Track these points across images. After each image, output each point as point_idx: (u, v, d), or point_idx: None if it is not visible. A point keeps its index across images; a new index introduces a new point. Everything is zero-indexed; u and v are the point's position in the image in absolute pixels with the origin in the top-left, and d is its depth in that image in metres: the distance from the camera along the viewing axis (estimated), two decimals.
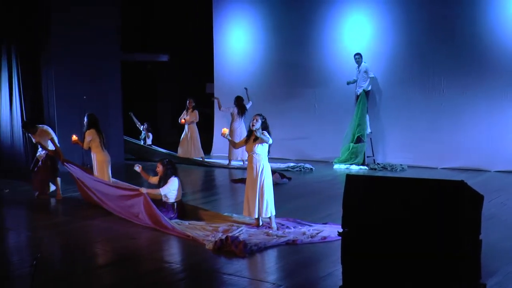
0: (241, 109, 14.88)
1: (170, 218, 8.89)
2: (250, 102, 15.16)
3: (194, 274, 6.86)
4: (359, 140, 14.21)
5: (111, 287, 6.53)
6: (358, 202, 5.39)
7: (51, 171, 11.29)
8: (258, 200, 8.49)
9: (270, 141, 8.42)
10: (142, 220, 8.91)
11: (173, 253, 7.77)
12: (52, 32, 14.12)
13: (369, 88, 14.33)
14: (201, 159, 15.68)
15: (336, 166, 14.31)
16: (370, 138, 14.48)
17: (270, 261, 7.24)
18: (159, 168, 9.29)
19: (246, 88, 15.38)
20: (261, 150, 8.47)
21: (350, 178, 5.48)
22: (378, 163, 14.13)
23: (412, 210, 5.11)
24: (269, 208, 8.52)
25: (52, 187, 11.49)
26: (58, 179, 11.38)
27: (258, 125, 8.37)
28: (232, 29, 17.23)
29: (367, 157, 14.34)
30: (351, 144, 14.22)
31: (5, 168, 13.93)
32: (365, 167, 13.99)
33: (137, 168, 9.61)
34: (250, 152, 8.54)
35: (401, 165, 13.83)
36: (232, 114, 15.00)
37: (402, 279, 5.15)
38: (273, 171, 12.83)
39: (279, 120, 15.86)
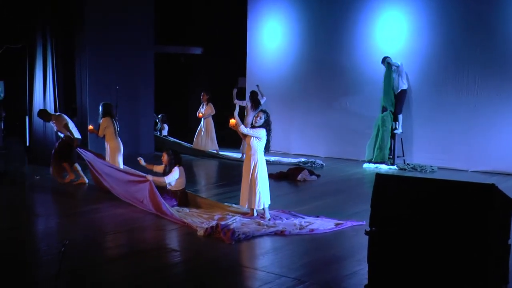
0: (255, 104, 14.98)
1: (173, 206, 9.29)
2: (264, 97, 15.33)
3: (219, 267, 6.88)
4: (384, 109, 14.18)
5: (133, 277, 6.55)
6: (386, 202, 5.36)
7: (64, 156, 11.66)
8: (250, 191, 8.80)
9: (264, 137, 8.74)
10: (145, 206, 9.35)
11: (198, 247, 7.77)
12: (86, 20, 14.25)
13: (405, 87, 14.18)
14: (215, 152, 15.98)
15: (365, 165, 14.22)
16: (401, 138, 14.34)
17: (295, 258, 7.23)
18: (164, 158, 9.76)
19: (257, 85, 15.62)
20: (256, 144, 8.78)
21: (380, 178, 5.46)
22: (408, 164, 13.99)
23: (441, 212, 5.07)
24: (261, 200, 8.81)
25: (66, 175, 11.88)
26: (77, 165, 11.75)
27: (260, 122, 8.77)
28: (266, 24, 17.20)
29: (398, 157, 14.22)
30: (377, 137, 14.17)
31: (38, 155, 14.11)
32: (395, 167, 13.88)
33: (141, 161, 9.97)
34: (248, 144, 8.87)
35: (431, 166, 13.69)
36: (246, 108, 15.17)
37: (428, 281, 5.12)
38: (302, 168, 12.95)
39: (310, 117, 15.84)
